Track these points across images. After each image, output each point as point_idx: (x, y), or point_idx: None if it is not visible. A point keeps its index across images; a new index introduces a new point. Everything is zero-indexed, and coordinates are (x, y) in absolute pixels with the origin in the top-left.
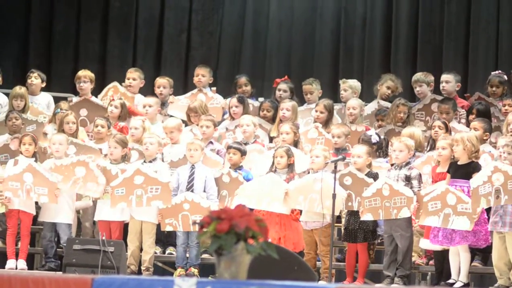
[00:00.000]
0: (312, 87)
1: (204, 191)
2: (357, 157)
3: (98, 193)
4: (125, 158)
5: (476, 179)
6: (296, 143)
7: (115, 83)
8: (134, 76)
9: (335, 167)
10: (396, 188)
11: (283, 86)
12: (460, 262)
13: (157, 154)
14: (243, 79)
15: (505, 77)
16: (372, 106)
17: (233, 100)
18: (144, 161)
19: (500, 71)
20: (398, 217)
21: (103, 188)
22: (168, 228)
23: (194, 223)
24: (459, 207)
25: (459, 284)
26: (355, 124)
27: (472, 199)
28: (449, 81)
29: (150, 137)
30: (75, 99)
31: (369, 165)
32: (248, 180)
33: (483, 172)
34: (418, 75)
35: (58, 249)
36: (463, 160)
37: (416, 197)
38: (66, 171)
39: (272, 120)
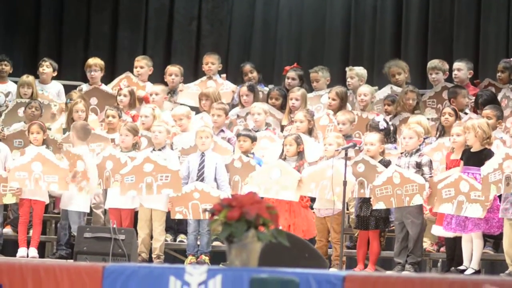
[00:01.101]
0: (318, 75)
1: (215, 178)
2: (370, 144)
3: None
4: (135, 146)
5: (487, 166)
6: (310, 131)
7: (128, 73)
8: (142, 64)
9: (346, 154)
10: (407, 176)
11: (291, 74)
12: (472, 249)
13: (166, 142)
14: (247, 67)
15: None
16: (385, 91)
17: (244, 89)
18: (154, 149)
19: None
20: (410, 205)
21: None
22: (178, 216)
23: (205, 210)
24: (472, 195)
25: (470, 271)
26: (366, 111)
27: (483, 186)
28: (461, 69)
29: (159, 125)
30: (85, 87)
31: (382, 153)
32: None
33: (495, 159)
34: (435, 62)
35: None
36: (475, 147)
37: (428, 183)
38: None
39: (280, 108)
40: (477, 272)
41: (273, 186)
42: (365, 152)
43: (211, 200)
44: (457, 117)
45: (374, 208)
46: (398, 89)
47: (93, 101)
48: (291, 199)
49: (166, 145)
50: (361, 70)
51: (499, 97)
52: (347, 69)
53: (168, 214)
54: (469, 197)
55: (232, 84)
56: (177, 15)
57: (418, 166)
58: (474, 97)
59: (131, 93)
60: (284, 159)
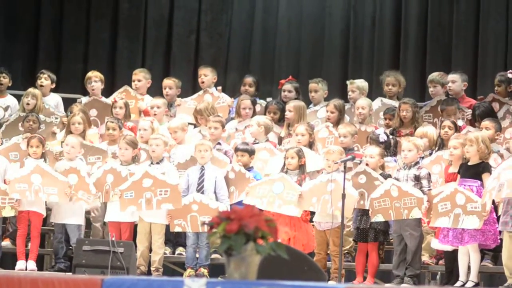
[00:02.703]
0: (318, 86)
1: (215, 191)
2: (370, 157)
3: (89, 202)
4: (135, 159)
5: (490, 180)
6: (311, 144)
7: (126, 87)
8: (139, 77)
9: (345, 167)
10: (405, 189)
11: (287, 87)
12: (469, 262)
13: (163, 155)
14: (249, 80)
15: (509, 75)
16: (375, 104)
17: (247, 102)
18: (152, 163)
19: (510, 71)
20: (409, 218)
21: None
22: (177, 229)
23: (204, 223)
24: (469, 207)
25: (470, 284)
26: (364, 124)
27: (483, 198)
28: (455, 81)
29: (156, 138)
30: (84, 99)
31: (382, 167)
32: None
33: (496, 171)
34: (434, 75)
35: (68, 250)
36: (473, 160)
37: (427, 197)
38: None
39: (279, 121)
40: (476, 284)
41: (276, 200)
42: (365, 164)
43: (209, 212)
44: (456, 130)
45: (372, 220)
46: (388, 101)
47: (93, 112)
48: (294, 214)
49: (164, 158)
50: (362, 83)
51: (501, 113)
52: (348, 82)
53: (167, 226)
54: (466, 209)
55: (228, 97)
56: (176, 27)
57: (417, 179)
58: (469, 109)
59: (126, 105)
60: (286, 172)
